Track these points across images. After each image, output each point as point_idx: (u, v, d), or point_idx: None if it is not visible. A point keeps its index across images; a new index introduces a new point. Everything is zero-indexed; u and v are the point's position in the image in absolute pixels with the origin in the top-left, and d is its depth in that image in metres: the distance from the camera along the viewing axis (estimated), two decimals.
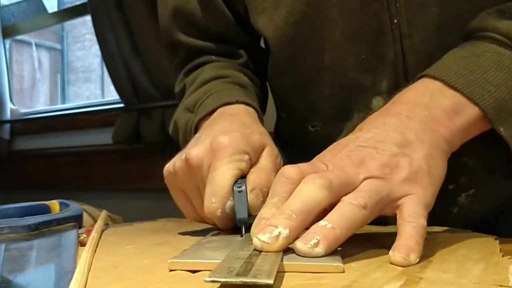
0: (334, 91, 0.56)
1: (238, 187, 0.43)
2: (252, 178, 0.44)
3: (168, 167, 0.48)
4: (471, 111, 0.42)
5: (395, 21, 0.51)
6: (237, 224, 0.43)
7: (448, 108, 0.42)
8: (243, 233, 0.41)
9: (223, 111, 0.54)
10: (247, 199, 0.43)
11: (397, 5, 0.50)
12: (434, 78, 0.44)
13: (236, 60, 0.65)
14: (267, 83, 0.67)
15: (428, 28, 0.51)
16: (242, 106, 0.55)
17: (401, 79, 0.52)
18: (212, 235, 0.38)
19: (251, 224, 0.38)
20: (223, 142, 0.45)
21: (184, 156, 0.46)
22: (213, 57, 0.65)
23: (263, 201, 0.40)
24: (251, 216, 0.42)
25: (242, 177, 0.45)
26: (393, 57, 0.52)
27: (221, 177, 0.43)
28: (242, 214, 0.42)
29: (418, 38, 0.51)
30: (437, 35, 0.51)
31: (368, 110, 0.54)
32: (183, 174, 0.47)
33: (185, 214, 0.50)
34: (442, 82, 0.43)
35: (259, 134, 0.48)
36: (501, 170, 0.50)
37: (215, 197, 0.43)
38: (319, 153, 0.43)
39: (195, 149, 0.46)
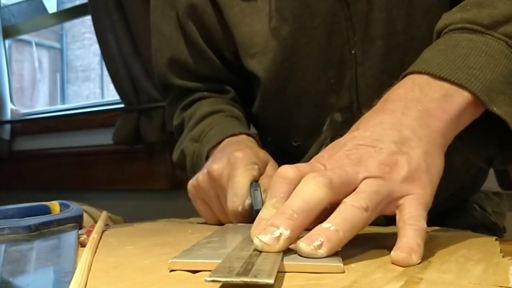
0: (310, 111, 0.66)
1: (254, 188, 0.54)
2: (263, 182, 0.55)
3: (192, 181, 0.59)
4: (460, 98, 0.43)
5: (353, 51, 0.61)
6: (253, 218, 0.49)
7: (439, 100, 0.42)
8: None
9: (230, 140, 0.64)
10: (261, 196, 0.53)
11: (355, 39, 0.61)
12: (419, 73, 0.44)
13: (225, 95, 0.76)
14: (254, 114, 0.76)
15: (375, 57, 0.61)
16: (244, 136, 0.65)
17: (354, 98, 0.63)
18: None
19: None
20: (238, 156, 0.56)
21: (206, 170, 0.57)
22: (205, 93, 0.76)
23: None
24: None
25: (255, 181, 0.55)
26: (349, 81, 0.63)
27: (240, 182, 0.54)
28: (259, 206, 0.52)
29: (368, 64, 0.62)
30: (381, 62, 0.61)
31: (331, 124, 0.65)
32: (205, 185, 0.57)
33: (206, 218, 0.60)
34: (428, 75, 0.44)
35: (263, 152, 0.60)
36: (497, 159, 0.51)
37: (237, 197, 0.53)
38: (301, 161, 0.44)
39: (215, 164, 0.56)
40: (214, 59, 0.73)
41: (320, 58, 0.63)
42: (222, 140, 0.64)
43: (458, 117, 0.43)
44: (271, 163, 0.59)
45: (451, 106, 0.42)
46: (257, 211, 0.49)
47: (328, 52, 0.62)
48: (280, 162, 0.57)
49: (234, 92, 0.76)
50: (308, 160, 0.43)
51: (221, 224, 0.57)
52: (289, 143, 0.70)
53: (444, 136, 0.42)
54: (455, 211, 0.72)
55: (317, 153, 0.60)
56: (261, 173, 0.56)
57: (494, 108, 0.43)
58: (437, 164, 0.40)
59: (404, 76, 0.46)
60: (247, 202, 0.53)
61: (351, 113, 0.63)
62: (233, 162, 0.55)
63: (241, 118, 0.72)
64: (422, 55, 0.47)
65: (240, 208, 0.53)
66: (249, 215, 0.53)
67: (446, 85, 0.43)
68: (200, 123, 0.70)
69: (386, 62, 0.61)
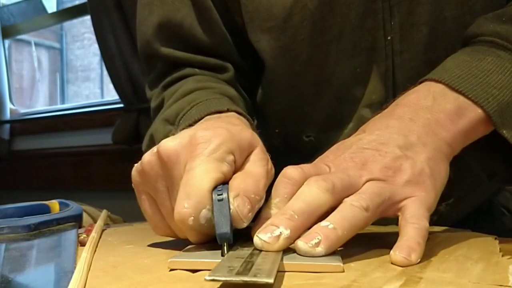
0: (329, 102, 0.57)
1: (219, 195, 0.35)
2: (236, 183, 0.37)
3: (137, 165, 0.40)
4: (473, 114, 0.42)
5: (389, 38, 0.53)
6: (216, 240, 0.34)
7: (451, 112, 0.42)
8: (225, 251, 0.33)
9: (211, 117, 0.48)
10: (229, 210, 0.35)
11: (392, 23, 0.52)
12: (437, 81, 0.44)
13: (222, 74, 0.60)
14: (259, 102, 0.64)
15: (417, 46, 0.53)
16: (233, 113, 0.49)
17: (390, 94, 0.54)
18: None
19: (236, 241, 0.35)
20: (204, 136, 0.37)
21: (156, 149, 0.38)
22: (197, 70, 0.60)
23: (251, 209, 0.36)
24: (233, 229, 0.35)
25: (224, 183, 0.37)
26: (384, 72, 0.54)
27: (198, 178, 0.35)
28: (223, 228, 0.34)
29: (408, 55, 0.53)
30: (425, 53, 0.53)
31: (358, 121, 0.55)
32: (152, 171, 0.39)
33: (152, 226, 0.41)
34: (445, 85, 0.43)
35: (250, 133, 0.41)
36: (500, 175, 0.50)
37: (189, 201, 0.35)
38: (312, 158, 0.43)
39: (169, 141, 0.38)
40: (219, 22, 0.58)
41: (348, 42, 0.54)
42: (202, 118, 0.48)
43: (467, 131, 0.42)
44: (257, 152, 0.40)
45: (461, 119, 0.42)
46: (222, 236, 0.34)
47: (358, 36, 0.53)
48: (287, 158, 0.49)
49: (234, 72, 0.61)
50: None
51: (175, 235, 0.40)
52: (299, 137, 0.60)
53: (450, 146, 0.42)
54: (481, 215, 0.67)
55: None
56: (237, 167, 0.39)
57: (504, 131, 0.42)
58: (441, 170, 0.40)
59: (421, 82, 0.45)
60: (204, 212, 0.35)
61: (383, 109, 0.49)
62: (195, 144, 0.37)
63: (236, 99, 0.57)
64: (445, 63, 0.47)
65: (190, 221, 0.35)
66: (206, 233, 0.36)
67: (461, 98, 0.43)
68: (179, 100, 0.54)
69: (430, 52, 0.53)
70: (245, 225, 0.35)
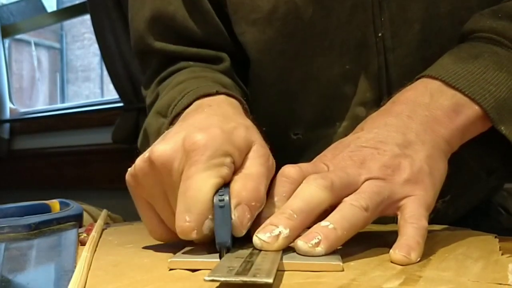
0: (318, 100, 0.56)
1: (220, 200, 0.34)
2: (237, 188, 0.35)
3: (130, 169, 0.39)
4: (470, 111, 0.42)
5: (380, 34, 0.52)
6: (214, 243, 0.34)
7: (449, 109, 0.42)
8: (222, 255, 0.33)
9: (201, 103, 0.45)
10: (230, 216, 0.34)
11: (382, 19, 0.51)
12: (434, 78, 0.44)
13: (217, 65, 0.59)
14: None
15: (411, 43, 0.52)
16: (223, 96, 0.46)
17: (384, 92, 0.53)
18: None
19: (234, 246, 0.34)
20: (199, 141, 0.35)
21: (147, 155, 0.37)
22: (191, 62, 0.59)
23: (251, 218, 0.35)
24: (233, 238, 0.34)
25: (225, 185, 0.35)
26: (377, 70, 0.53)
27: (198, 189, 0.34)
28: (223, 236, 0.33)
29: (401, 52, 0.52)
30: (418, 49, 0.52)
31: (352, 120, 0.54)
32: (146, 178, 0.37)
33: (150, 231, 0.40)
34: (442, 82, 0.43)
35: (245, 128, 0.38)
36: (499, 172, 0.51)
37: (190, 215, 0.33)
38: (300, 157, 0.42)
39: (161, 146, 0.36)
40: (212, 12, 0.57)
41: (336, 38, 0.52)
42: (191, 103, 0.46)
43: (464, 128, 0.43)
44: (256, 148, 0.38)
45: (459, 116, 0.42)
46: (221, 245, 0.33)
47: (347, 32, 0.52)
48: (275, 156, 0.43)
49: (230, 62, 0.59)
50: (311, 156, 0.42)
51: (176, 239, 0.37)
52: (287, 134, 0.59)
53: (448, 143, 0.42)
54: (479, 214, 0.66)
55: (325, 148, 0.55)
56: (236, 168, 0.37)
57: (502, 127, 0.43)
58: (440, 168, 0.41)
59: (418, 78, 0.45)
60: (208, 223, 0.34)
61: (378, 108, 0.47)
62: (190, 150, 0.35)
63: (231, 86, 0.55)
64: (441, 59, 0.47)
65: (194, 234, 0.34)
66: (211, 239, 0.34)
67: (458, 95, 0.43)
68: (170, 91, 0.53)
69: (423, 50, 0.52)
70: (243, 233, 0.35)
